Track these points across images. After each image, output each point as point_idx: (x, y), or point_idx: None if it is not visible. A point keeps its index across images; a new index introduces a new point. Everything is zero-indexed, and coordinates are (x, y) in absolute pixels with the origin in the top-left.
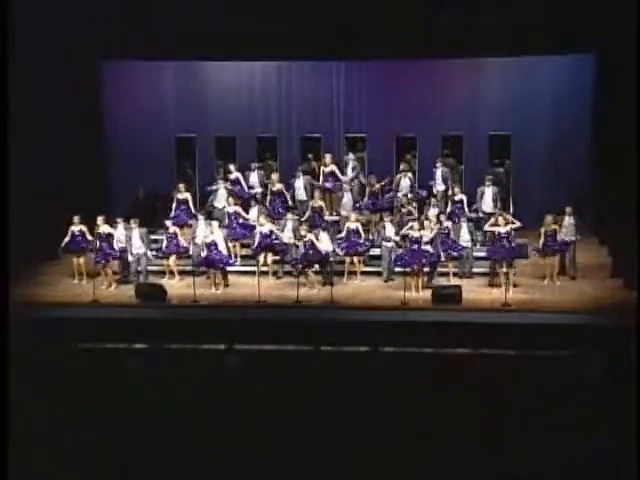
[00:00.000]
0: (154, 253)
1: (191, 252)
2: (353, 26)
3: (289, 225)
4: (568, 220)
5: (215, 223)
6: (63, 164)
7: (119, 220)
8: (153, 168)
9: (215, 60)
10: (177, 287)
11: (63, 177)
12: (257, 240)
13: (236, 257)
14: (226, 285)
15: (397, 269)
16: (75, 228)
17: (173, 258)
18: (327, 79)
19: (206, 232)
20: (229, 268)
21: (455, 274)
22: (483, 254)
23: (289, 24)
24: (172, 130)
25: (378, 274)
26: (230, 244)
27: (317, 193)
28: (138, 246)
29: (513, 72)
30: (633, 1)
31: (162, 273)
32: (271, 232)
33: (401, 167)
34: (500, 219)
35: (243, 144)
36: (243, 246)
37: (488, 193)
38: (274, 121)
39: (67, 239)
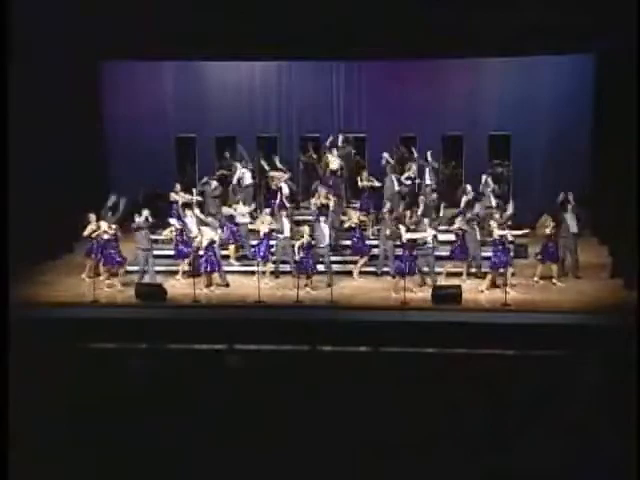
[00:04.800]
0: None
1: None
2: (353, 26)
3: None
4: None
5: (206, 227)
6: (63, 164)
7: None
8: (153, 168)
9: (215, 60)
10: (177, 287)
11: (63, 177)
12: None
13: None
14: (226, 285)
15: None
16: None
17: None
18: (327, 79)
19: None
20: (228, 268)
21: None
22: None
23: (289, 24)
24: (172, 130)
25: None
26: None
27: (323, 190)
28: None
29: (513, 72)
30: (633, 1)
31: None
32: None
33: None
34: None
35: (243, 144)
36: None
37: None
38: (274, 121)
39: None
